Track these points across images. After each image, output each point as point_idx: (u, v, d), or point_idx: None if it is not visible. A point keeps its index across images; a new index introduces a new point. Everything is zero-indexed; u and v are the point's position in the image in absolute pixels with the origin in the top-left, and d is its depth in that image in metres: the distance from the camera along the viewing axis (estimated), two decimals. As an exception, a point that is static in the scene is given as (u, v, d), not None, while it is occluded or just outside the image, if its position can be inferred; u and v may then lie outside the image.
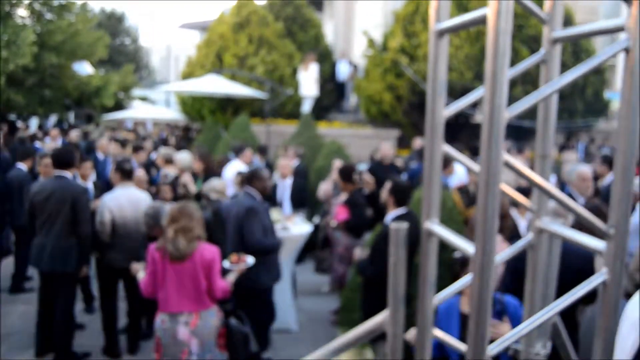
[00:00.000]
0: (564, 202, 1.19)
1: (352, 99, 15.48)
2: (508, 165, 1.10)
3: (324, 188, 6.79)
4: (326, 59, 15.25)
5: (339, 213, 5.82)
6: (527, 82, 11.82)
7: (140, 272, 4.04)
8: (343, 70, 14.84)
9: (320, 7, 21.09)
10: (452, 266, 3.03)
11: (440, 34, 1.34)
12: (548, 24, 1.45)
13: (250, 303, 4.78)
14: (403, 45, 12.21)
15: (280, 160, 7.70)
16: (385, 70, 12.35)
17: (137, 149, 8.42)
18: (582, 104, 12.98)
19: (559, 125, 12.55)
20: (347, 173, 5.85)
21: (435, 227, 1.39)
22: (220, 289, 3.75)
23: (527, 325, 1.27)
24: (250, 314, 4.78)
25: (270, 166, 8.60)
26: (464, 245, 1.22)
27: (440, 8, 1.35)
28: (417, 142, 9.60)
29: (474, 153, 8.60)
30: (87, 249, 4.99)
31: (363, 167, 7.61)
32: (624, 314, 2.64)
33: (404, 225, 1.42)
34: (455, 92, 10.82)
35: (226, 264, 4.19)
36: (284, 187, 6.83)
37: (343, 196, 5.87)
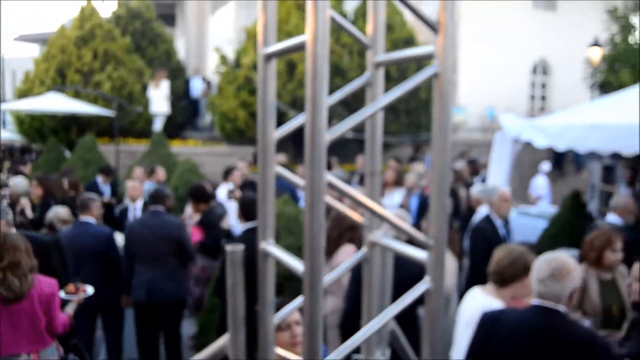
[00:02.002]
0: (388, 218, 1.26)
1: (206, 117, 15.30)
2: (331, 185, 1.14)
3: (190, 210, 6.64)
4: (179, 75, 14.94)
5: (193, 234, 5.68)
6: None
7: None
8: (196, 87, 14.62)
9: (172, 22, 20.65)
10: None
11: (268, 57, 1.37)
12: (371, 48, 1.53)
13: (175, 318, 5.00)
14: (255, 62, 12.30)
15: (128, 182, 7.37)
16: (239, 87, 12.37)
17: None
18: (427, 118, 13.96)
19: (407, 139, 13.40)
20: (198, 193, 5.73)
21: (271, 247, 1.40)
22: (61, 323, 3.48)
23: (361, 335, 1.31)
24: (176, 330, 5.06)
25: (116, 189, 8.23)
26: (295, 265, 1.25)
27: (267, 33, 1.37)
28: (280, 158, 9.83)
29: (327, 167, 8.89)
30: None
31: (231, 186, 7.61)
32: (458, 314, 2.86)
33: (240, 247, 1.42)
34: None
35: (62, 294, 3.90)
36: (135, 210, 6.53)
37: (196, 217, 5.74)
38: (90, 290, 4.10)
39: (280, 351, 1.51)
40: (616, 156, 7.74)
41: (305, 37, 1.12)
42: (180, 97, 14.51)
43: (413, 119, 13.41)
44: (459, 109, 19.56)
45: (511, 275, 2.72)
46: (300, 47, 1.22)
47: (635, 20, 15.79)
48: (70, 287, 4.05)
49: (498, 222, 5.07)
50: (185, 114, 14.88)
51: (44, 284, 3.40)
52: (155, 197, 5.07)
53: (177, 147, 12.03)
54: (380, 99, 1.23)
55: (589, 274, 3.58)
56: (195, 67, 15.62)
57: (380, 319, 1.34)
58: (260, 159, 1.38)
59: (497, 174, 6.82)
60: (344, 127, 1.15)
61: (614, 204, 5.28)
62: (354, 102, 12.43)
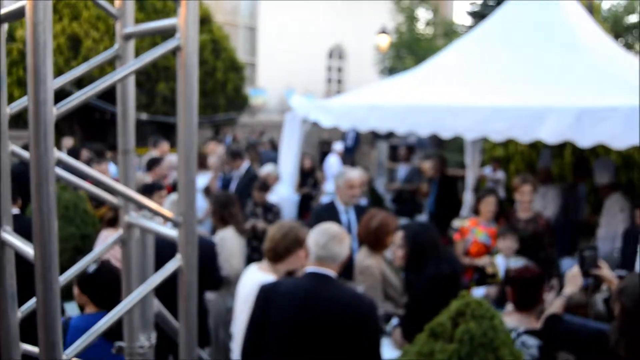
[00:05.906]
0: (132, 197, 1.21)
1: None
2: (62, 163, 1.07)
3: None
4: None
5: None
6: (170, 78, 12.11)
7: None
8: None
9: None
10: None
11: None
12: (120, 20, 1.45)
13: None
14: (34, 36, 11.19)
15: None
16: (13, 62, 11.14)
17: None
18: (224, 99, 13.92)
19: (205, 120, 13.25)
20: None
21: (8, 236, 1.27)
22: None
23: (106, 320, 1.24)
24: None
25: None
26: (26, 250, 1.15)
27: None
28: (67, 142, 9.11)
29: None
30: None
31: None
32: (237, 291, 2.92)
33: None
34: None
35: None
36: None
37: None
38: None
39: (26, 347, 1.39)
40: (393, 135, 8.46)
41: (24, 3, 1.02)
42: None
43: (210, 100, 13.32)
44: (259, 90, 19.90)
45: (285, 248, 2.83)
46: (18, 15, 1.11)
47: (418, 11, 17.39)
48: None
49: (341, 208, 4.69)
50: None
51: None
52: None
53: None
54: (118, 71, 1.18)
55: (377, 259, 3.62)
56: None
57: (126, 302, 1.29)
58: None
59: (288, 153, 7.06)
60: (74, 100, 1.08)
61: None
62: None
